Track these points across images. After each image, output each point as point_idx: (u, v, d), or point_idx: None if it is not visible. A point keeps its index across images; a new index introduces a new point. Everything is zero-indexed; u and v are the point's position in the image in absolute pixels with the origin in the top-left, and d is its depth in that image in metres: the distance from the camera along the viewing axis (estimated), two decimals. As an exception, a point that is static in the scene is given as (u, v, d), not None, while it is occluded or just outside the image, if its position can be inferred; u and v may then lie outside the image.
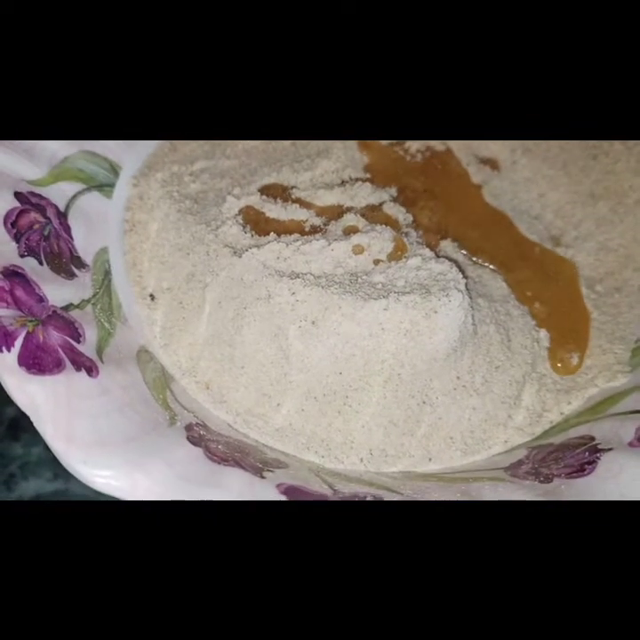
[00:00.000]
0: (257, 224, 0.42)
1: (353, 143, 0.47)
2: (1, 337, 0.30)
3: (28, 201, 0.37)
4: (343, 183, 0.45)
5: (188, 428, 0.33)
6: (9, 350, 0.30)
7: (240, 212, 0.42)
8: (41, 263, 0.35)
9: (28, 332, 0.31)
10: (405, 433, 0.37)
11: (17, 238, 0.35)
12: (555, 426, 0.38)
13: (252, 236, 0.41)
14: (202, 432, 0.33)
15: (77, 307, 0.35)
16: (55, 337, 0.32)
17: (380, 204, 0.44)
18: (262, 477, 0.31)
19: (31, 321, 0.32)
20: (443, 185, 0.47)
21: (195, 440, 0.32)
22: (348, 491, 0.32)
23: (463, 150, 0.49)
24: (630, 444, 0.33)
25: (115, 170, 0.43)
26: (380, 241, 0.40)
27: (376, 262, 0.39)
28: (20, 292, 0.32)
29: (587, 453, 0.33)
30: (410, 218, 0.43)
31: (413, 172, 0.47)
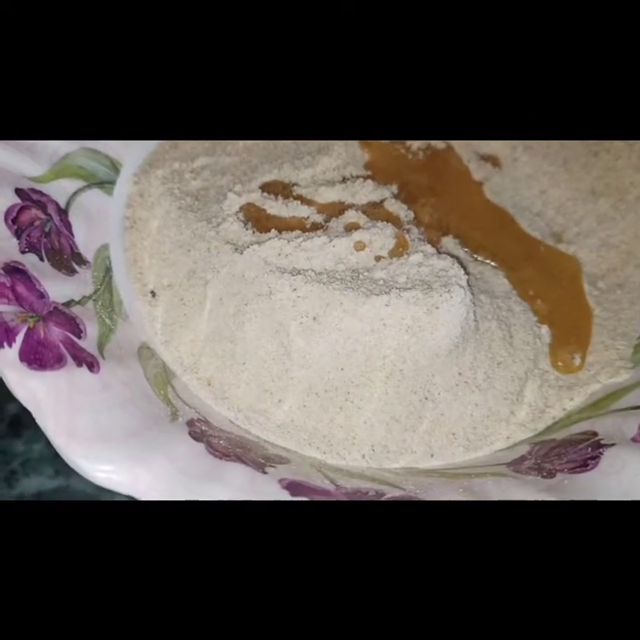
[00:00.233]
0: (258, 221, 0.42)
1: (354, 140, 0.47)
2: (2, 333, 0.30)
3: (29, 197, 0.37)
4: (344, 180, 0.45)
5: (190, 423, 0.33)
6: (10, 346, 0.30)
7: (241, 208, 0.42)
8: (42, 259, 0.35)
9: (28, 328, 0.31)
10: (407, 429, 0.37)
11: (18, 235, 0.35)
12: (557, 422, 0.38)
13: (254, 232, 0.41)
14: (203, 428, 0.33)
15: (78, 303, 0.35)
16: (56, 333, 0.32)
17: (382, 201, 0.44)
18: (264, 473, 0.31)
19: (32, 317, 0.31)
20: (444, 182, 0.47)
21: (196, 435, 0.32)
22: (350, 486, 0.32)
23: (464, 147, 0.49)
24: (633, 440, 0.33)
25: (115, 167, 0.43)
26: (381, 237, 0.40)
27: (377, 259, 0.39)
28: (21, 288, 0.32)
29: (590, 449, 0.33)
30: (411, 214, 0.43)
31: (414, 170, 0.47)
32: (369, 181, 0.44)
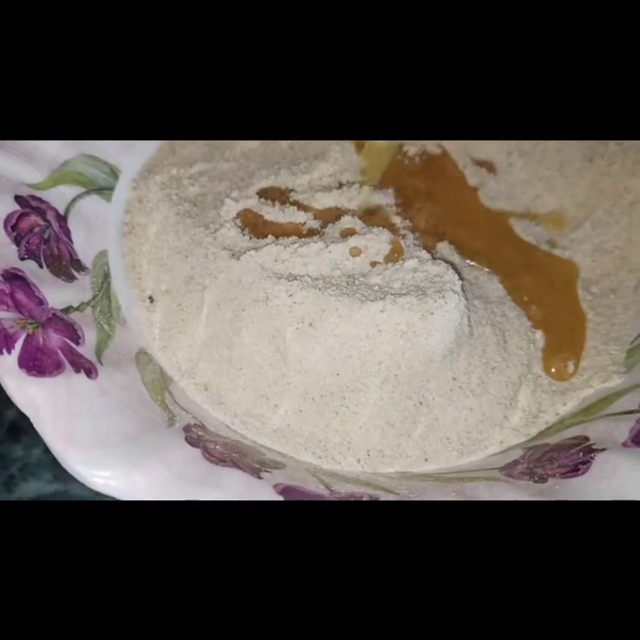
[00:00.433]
0: (255, 227, 0.42)
1: (350, 146, 0.48)
2: (1, 339, 0.30)
3: (29, 204, 0.37)
4: (340, 186, 0.45)
5: (187, 428, 0.33)
6: (9, 352, 0.30)
7: (238, 214, 0.42)
8: (41, 266, 0.35)
9: (27, 335, 0.31)
10: (402, 434, 0.37)
11: (17, 241, 0.35)
12: (550, 426, 0.39)
13: (251, 238, 0.41)
14: (200, 433, 0.34)
15: (77, 309, 0.36)
16: (55, 339, 0.32)
17: (377, 207, 0.44)
18: (259, 478, 0.31)
19: (31, 323, 0.32)
20: (439, 187, 0.47)
21: (193, 441, 0.32)
22: (344, 491, 0.33)
23: (459, 153, 0.49)
24: (624, 445, 0.33)
25: (114, 173, 0.44)
26: (376, 243, 0.40)
27: (373, 264, 0.40)
28: (20, 295, 0.33)
29: (581, 453, 0.34)
30: (407, 220, 0.44)
31: (410, 175, 0.48)
32: (365, 187, 0.45)
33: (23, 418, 0.29)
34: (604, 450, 0.33)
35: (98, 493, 0.28)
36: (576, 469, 0.32)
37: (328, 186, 0.45)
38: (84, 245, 0.39)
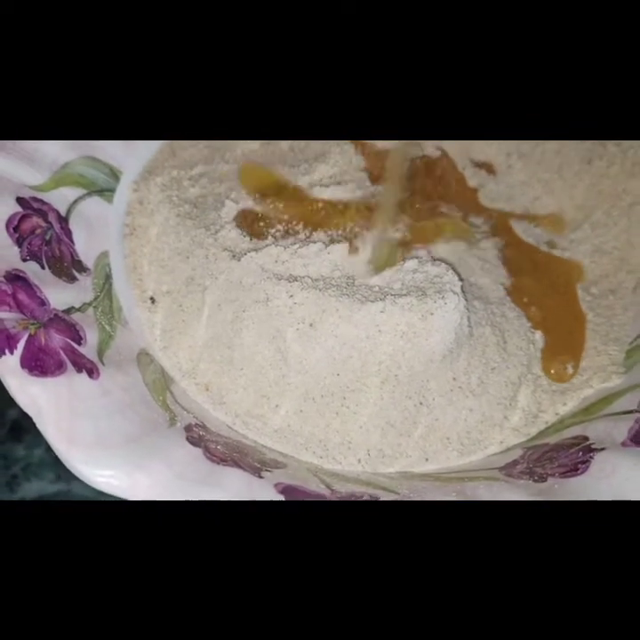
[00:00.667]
0: (255, 225, 0.43)
1: (350, 147, 0.48)
2: (3, 340, 0.30)
3: (30, 206, 0.37)
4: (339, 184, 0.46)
5: (188, 428, 0.33)
6: (11, 353, 0.30)
7: (238, 215, 0.43)
8: (43, 267, 0.36)
9: (30, 335, 0.31)
10: (402, 434, 0.37)
11: (19, 243, 0.35)
12: (550, 426, 0.39)
13: (251, 239, 0.41)
14: (201, 433, 0.34)
15: (79, 310, 0.36)
16: (57, 339, 0.32)
17: (377, 207, 0.44)
18: (260, 477, 0.31)
19: (33, 324, 0.32)
20: (439, 188, 0.47)
21: (194, 440, 0.32)
22: (345, 491, 0.33)
23: (459, 154, 0.49)
24: (623, 444, 0.33)
25: (115, 175, 0.44)
26: (376, 243, 0.40)
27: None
28: (22, 296, 0.33)
29: (580, 453, 0.34)
30: (406, 220, 0.44)
31: (410, 176, 0.48)
32: (365, 188, 0.45)
33: (25, 417, 0.29)
34: (603, 449, 0.33)
35: (101, 493, 0.29)
36: (575, 469, 0.33)
37: (328, 186, 0.46)
38: (85, 246, 0.39)
